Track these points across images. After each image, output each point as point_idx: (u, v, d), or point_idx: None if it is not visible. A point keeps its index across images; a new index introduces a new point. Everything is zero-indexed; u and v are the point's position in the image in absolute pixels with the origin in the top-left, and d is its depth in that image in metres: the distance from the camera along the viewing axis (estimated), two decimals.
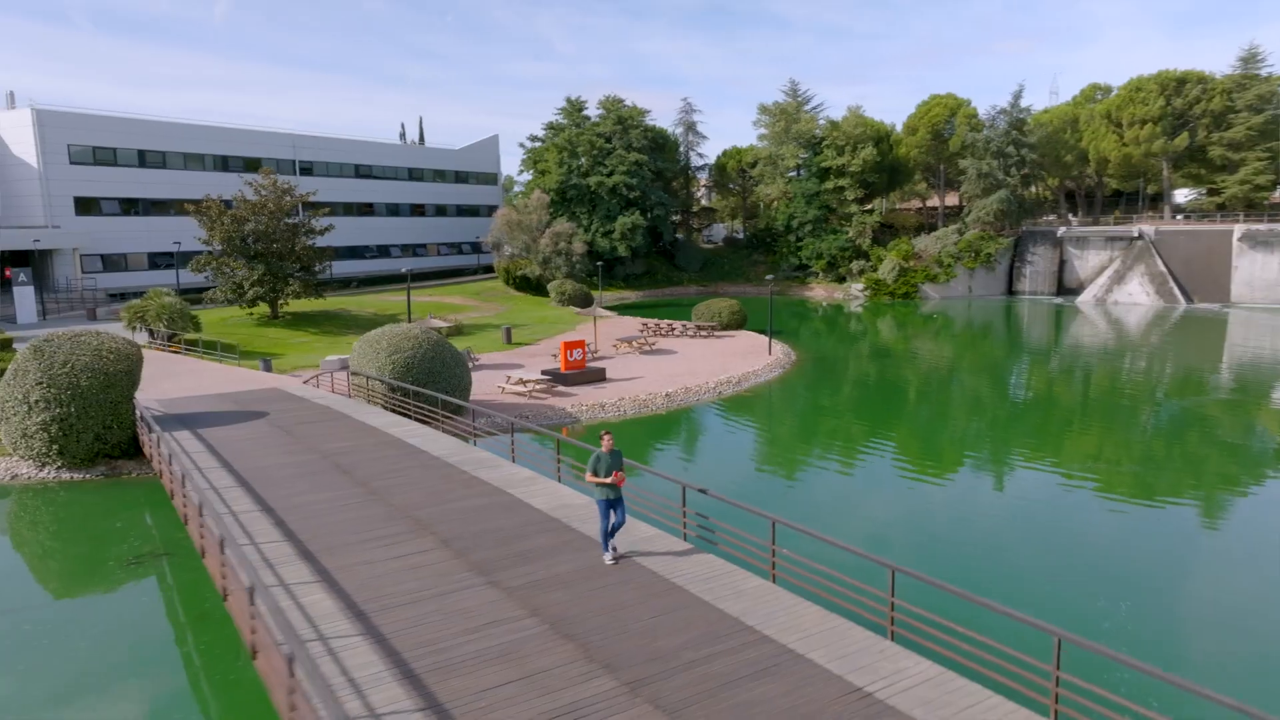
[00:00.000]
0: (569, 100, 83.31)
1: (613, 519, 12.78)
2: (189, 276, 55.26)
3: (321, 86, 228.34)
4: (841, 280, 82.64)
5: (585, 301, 65.65)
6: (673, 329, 50.39)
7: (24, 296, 48.97)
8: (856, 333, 58.20)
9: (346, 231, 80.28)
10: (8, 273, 49.31)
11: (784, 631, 10.50)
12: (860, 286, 79.85)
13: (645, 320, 53.24)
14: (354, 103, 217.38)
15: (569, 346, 35.16)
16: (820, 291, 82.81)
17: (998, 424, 30.70)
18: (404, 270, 42.79)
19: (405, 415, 25.04)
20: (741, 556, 12.91)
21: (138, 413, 21.82)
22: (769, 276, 44.35)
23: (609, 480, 12.48)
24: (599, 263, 72.62)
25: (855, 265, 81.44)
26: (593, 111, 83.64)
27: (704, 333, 49.78)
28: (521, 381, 32.94)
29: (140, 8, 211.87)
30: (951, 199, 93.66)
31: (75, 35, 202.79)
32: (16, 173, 58.56)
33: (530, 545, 13.60)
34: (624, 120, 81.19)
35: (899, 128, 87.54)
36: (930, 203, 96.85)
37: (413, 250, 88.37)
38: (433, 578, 12.32)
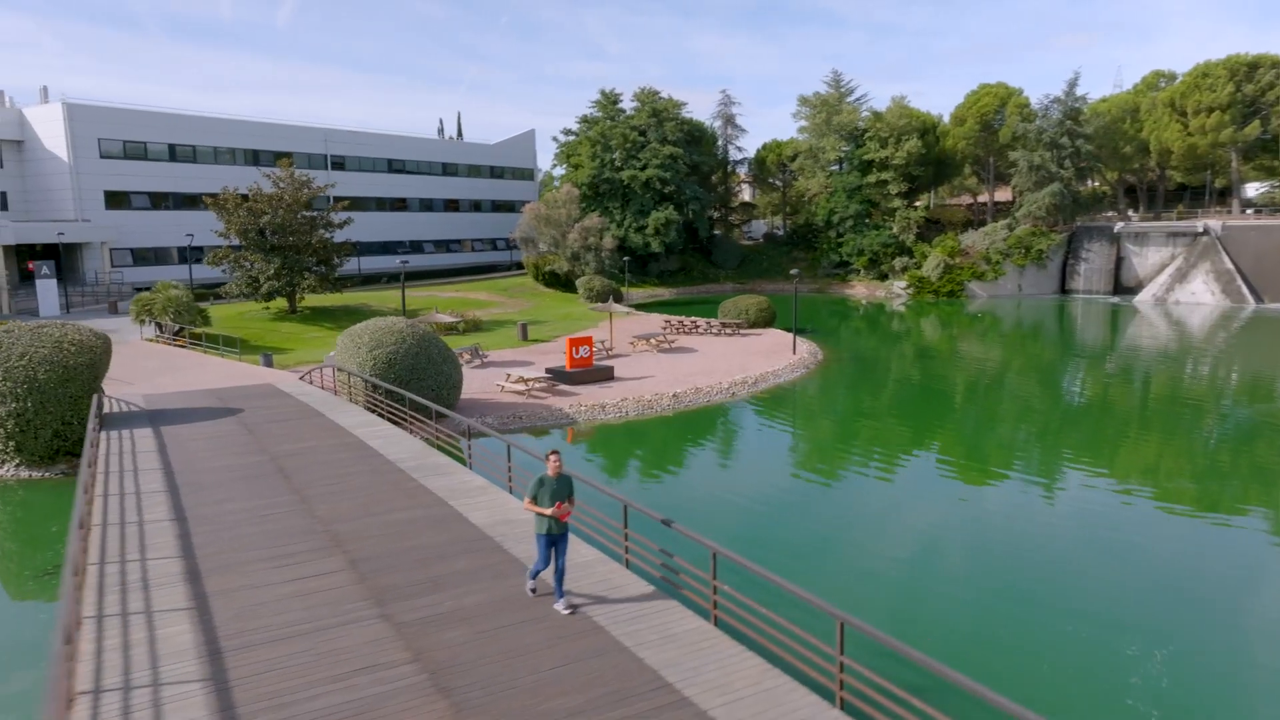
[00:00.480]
0: (603, 93, 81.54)
1: (553, 561, 10.54)
2: (211, 271, 54.69)
3: (378, 88, 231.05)
4: (884, 278, 79.43)
5: (615, 298, 63.85)
6: (696, 326, 48.30)
7: (47, 289, 48.96)
8: (894, 332, 55.36)
9: (379, 227, 79.89)
10: (30, 265, 49.38)
11: (709, 692, 8.51)
12: (903, 284, 76.57)
13: (668, 317, 51.22)
14: (410, 105, 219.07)
15: (575, 344, 33.38)
16: (861, 289, 79.75)
17: (1047, 432, 27.97)
18: (400, 262, 41.52)
19: (380, 414, 23.51)
20: (686, 593, 10.92)
21: (93, 408, 20.58)
22: (794, 271, 42.01)
23: (549, 512, 10.29)
24: (626, 258, 70.73)
25: (898, 262, 78.15)
26: (628, 104, 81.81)
27: (728, 330, 47.59)
28: (522, 380, 31.26)
29: (208, 15, 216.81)
30: (1002, 194, 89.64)
31: (148, 42, 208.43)
32: (48, 166, 58.99)
33: (448, 569, 11.80)
34: (659, 113, 79.13)
35: (946, 119, 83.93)
36: (980, 198, 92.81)
37: (446, 246, 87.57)
38: (321, 607, 10.59)
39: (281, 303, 50.79)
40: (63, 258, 58.85)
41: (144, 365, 34.72)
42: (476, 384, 32.41)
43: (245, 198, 47.26)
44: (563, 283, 70.73)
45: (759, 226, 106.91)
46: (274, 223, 47.02)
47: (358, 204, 78.45)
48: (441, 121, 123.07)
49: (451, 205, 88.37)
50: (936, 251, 75.64)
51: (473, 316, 49.70)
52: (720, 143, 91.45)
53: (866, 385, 36.23)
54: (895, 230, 78.73)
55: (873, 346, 47.85)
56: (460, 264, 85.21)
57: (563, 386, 31.97)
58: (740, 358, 39.36)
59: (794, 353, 40.15)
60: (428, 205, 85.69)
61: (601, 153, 78.11)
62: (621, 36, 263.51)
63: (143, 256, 61.97)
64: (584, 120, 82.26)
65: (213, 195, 48.28)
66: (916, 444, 26.24)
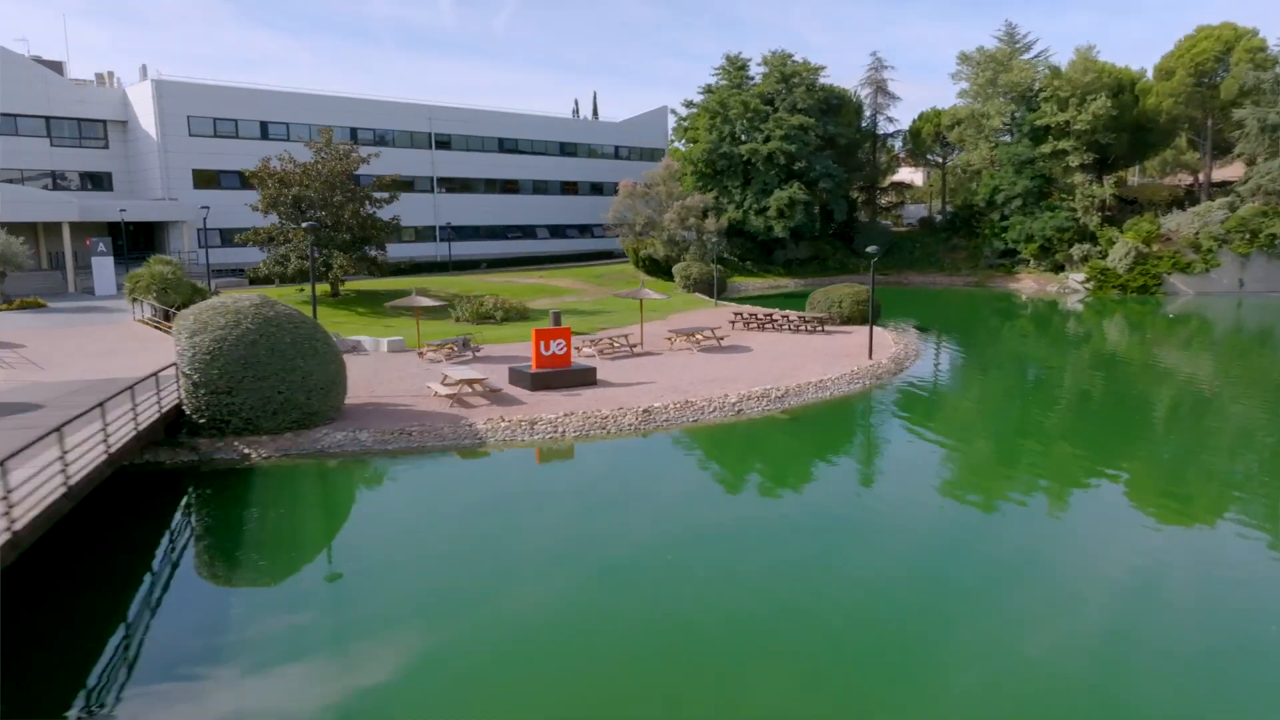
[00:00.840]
0: (728, 58, 72.63)
1: None
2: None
3: (588, 88, 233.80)
4: (1059, 269, 65.29)
5: (715, 290, 55.44)
6: (772, 320, 39.21)
7: (103, 268, 47.74)
8: (1046, 337, 43.30)
9: (488, 210, 75.94)
10: (88, 242, 48.37)
11: None
12: (1080, 277, 62.33)
13: (740, 309, 42.38)
14: (616, 104, 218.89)
15: (544, 336, 25.78)
16: (1029, 282, 66.07)
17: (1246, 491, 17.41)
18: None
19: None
20: None
21: None
22: (870, 248, 31.72)
23: None
24: (723, 241, 61.83)
25: (1077, 250, 63.67)
26: (756, 70, 72.52)
27: (808, 326, 38.14)
28: (466, 382, 24.17)
29: (433, 25, 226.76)
30: (1226, 172, 71.92)
31: (381, 52, 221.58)
32: (144, 145, 58.93)
33: None
34: (789, 78, 69.26)
35: (1150, 76, 67.81)
36: (1200, 176, 75.12)
37: (562, 231, 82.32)
38: None
39: (323, 285, 46.78)
40: (149, 236, 58.60)
41: (92, 348, 30.98)
42: (415, 384, 25.73)
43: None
44: (664, 269, 63.06)
45: (916, 210, 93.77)
46: (306, 195, 42.85)
47: (464, 185, 75.04)
48: (576, 102, 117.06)
49: (569, 187, 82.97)
50: (1127, 237, 60.86)
51: (516, 304, 43.26)
52: (868, 113, 79.89)
53: (942, 414, 26.09)
54: (1076, 211, 64.38)
55: (999, 356, 36.76)
56: (574, 250, 79.45)
57: (512, 391, 24.57)
58: (795, 361, 30.21)
59: (870, 358, 30.42)
60: (542, 187, 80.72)
61: (720, 124, 69.38)
62: (826, 27, 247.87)
63: (231, 236, 60.72)
64: (706, 90, 73.82)
65: (253, 170, 44.94)
66: (952, 514, 16.60)
